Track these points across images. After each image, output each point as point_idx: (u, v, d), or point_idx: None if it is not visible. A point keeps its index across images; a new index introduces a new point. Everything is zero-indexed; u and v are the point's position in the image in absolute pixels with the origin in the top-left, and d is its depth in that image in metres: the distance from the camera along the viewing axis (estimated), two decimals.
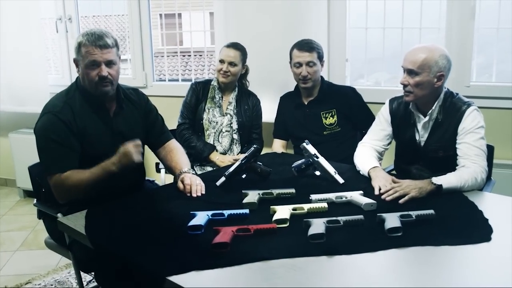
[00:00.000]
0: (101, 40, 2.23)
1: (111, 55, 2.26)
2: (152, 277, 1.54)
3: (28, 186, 4.43)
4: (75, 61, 2.32)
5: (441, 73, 2.32)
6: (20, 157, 4.55)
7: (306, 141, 2.51)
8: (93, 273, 2.59)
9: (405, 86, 2.39)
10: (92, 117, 2.33)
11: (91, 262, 2.17)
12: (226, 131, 3.22)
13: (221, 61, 3.18)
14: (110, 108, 2.40)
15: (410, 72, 2.35)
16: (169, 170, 2.55)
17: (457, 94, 2.43)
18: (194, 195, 2.23)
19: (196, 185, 2.27)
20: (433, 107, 2.38)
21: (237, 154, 3.19)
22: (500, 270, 1.54)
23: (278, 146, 3.25)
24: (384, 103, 2.64)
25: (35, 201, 2.50)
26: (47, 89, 4.39)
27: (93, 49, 2.22)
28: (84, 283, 2.86)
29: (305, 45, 3.06)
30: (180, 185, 2.31)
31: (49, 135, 2.24)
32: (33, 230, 3.90)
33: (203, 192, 2.25)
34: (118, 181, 2.23)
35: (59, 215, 2.18)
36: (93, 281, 2.92)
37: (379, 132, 2.60)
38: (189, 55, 4.63)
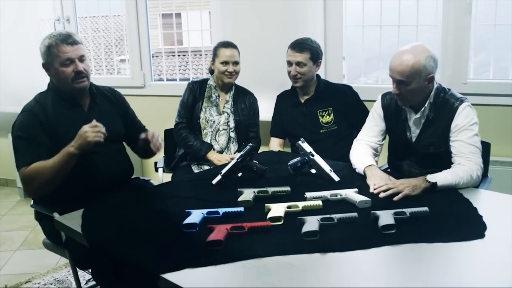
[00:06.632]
0: (70, 38, 2.34)
1: (82, 51, 2.37)
2: (146, 275, 1.55)
3: None
4: (45, 65, 2.38)
5: (430, 75, 2.30)
6: None
7: (302, 139, 2.51)
8: (89, 270, 2.60)
9: (398, 94, 2.37)
10: (66, 114, 2.39)
11: (87, 259, 2.19)
12: (223, 129, 3.22)
13: (225, 63, 3.14)
14: (84, 104, 2.47)
15: (400, 82, 2.30)
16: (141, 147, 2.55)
17: (449, 90, 2.41)
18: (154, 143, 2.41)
19: (157, 137, 2.42)
20: (425, 105, 2.37)
21: (234, 153, 3.19)
22: (493, 267, 1.55)
23: (275, 144, 3.26)
24: None
25: (32, 202, 2.51)
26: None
27: (65, 47, 2.31)
28: (84, 282, 2.87)
29: (297, 45, 3.05)
30: (142, 134, 2.46)
31: (17, 133, 2.33)
32: (33, 230, 3.92)
33: (161, 142, 2.45)
34: (100, 175, 2.31)
35: (55, 214, 2.19)
36: (92, 280, 2.93)
37: (373, 128, 2.60)
38: (186, 55, 4.63)
